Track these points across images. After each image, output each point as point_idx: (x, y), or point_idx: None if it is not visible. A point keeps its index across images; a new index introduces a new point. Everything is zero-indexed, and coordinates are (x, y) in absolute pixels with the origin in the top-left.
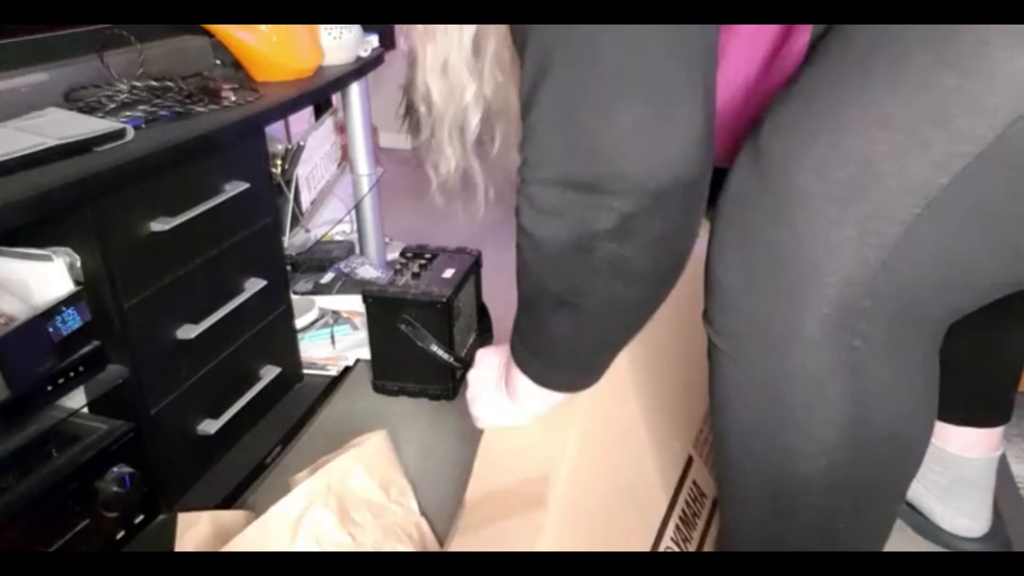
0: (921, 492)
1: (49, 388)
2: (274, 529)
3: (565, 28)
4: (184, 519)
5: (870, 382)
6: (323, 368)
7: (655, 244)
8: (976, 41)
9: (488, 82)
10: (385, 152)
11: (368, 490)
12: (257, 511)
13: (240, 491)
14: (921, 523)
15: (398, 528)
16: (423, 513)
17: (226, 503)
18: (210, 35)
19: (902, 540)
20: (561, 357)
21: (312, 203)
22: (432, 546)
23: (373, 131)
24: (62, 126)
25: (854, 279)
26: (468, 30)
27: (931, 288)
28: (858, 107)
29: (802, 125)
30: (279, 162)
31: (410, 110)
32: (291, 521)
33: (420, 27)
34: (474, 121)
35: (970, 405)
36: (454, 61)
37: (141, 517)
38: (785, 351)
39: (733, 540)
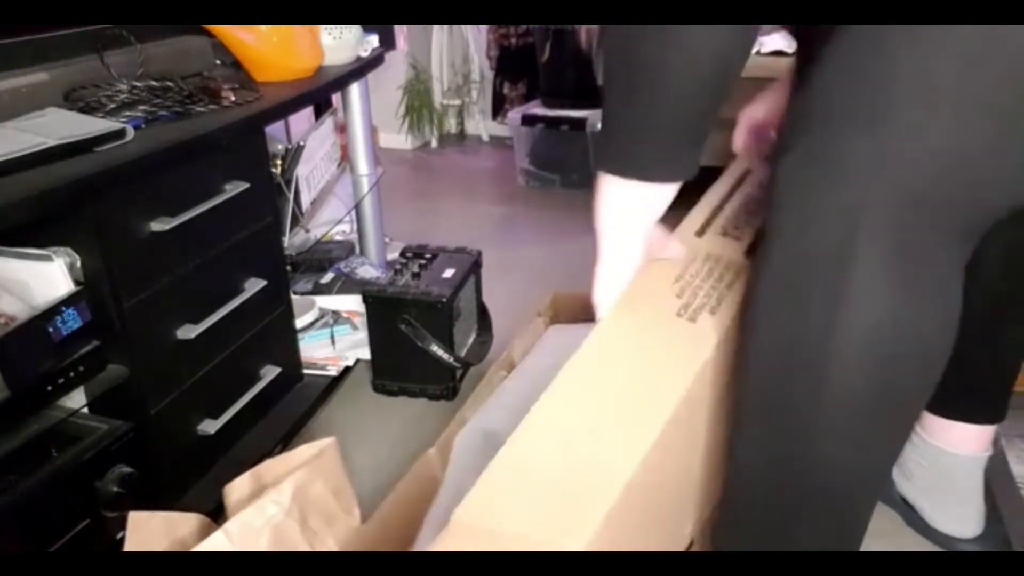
0: (913, 490)
1: (49, 388)
2: (239, 537)
3: None
4: (135, 518)
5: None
6: (323, 368)
7: None
8: None
9: None
10: (385, 152)
11: (324, 500)
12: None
13: None
14: (916, 521)
15: (344, 536)
16: (364, 522)
17: None
18: (210, 35)
19: (903, 539)
20: (652, 117)
21: (312, 203)
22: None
23: (373, 131)
24: (62, 126)
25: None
26: None
27: (938, 188)
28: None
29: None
30: (279, 162)
31: (410, 110)
32: (256, 529)
33: None
34: None
35: (966, 398)
36: None
37: None
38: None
39: (738, 481)
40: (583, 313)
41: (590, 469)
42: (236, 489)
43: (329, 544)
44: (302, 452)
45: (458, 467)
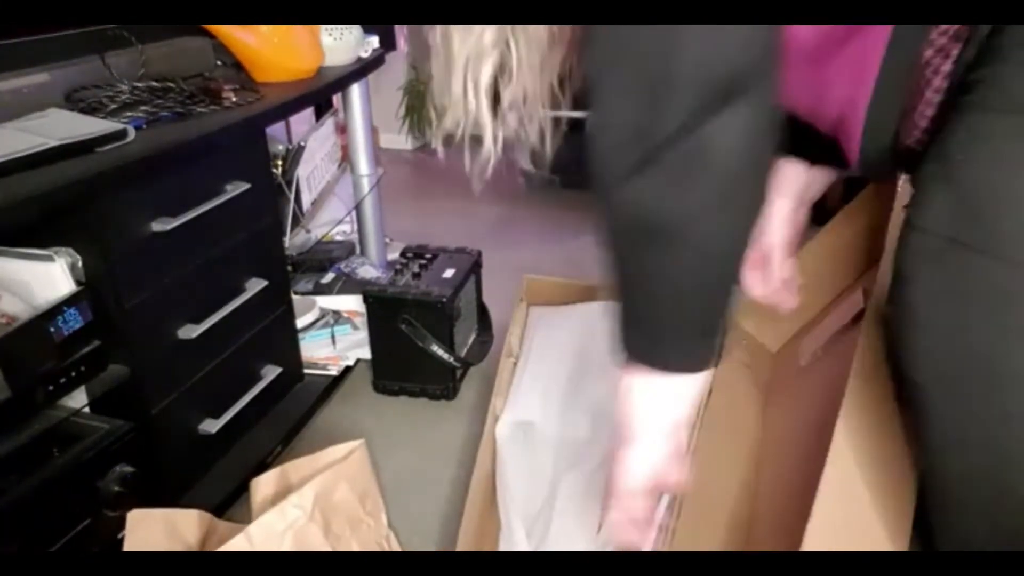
0: None
1: (50, 388)
2: (261, 541)
3: None
4: (134, 516)
5: None
6: (323, 368)
7: (738, 141)
8: None
9: (512, 28)
10: (385, 152)
11: (349, 504)
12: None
13: (240, 490)
14: None
15: (371, 540)
16: (391, 526)
17: (227, 502)
18: (211, 36)
19: None
20: (667, 311)
21: (313, 203)
22: None
23: (373, 131)
24: (64, 127)
25: None
26: None
27: None
28: None
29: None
30: (280, 162)
31: (410, 110)
32: (278, 533)
33: None
34: (488, 67)
35: None
36: None
37: None
38: (1004, 392)
39: None
40: (556, 296)
41: None
42: (262, 485)
43: (353, 548)
44: (330, 453)
45: (509, 463)
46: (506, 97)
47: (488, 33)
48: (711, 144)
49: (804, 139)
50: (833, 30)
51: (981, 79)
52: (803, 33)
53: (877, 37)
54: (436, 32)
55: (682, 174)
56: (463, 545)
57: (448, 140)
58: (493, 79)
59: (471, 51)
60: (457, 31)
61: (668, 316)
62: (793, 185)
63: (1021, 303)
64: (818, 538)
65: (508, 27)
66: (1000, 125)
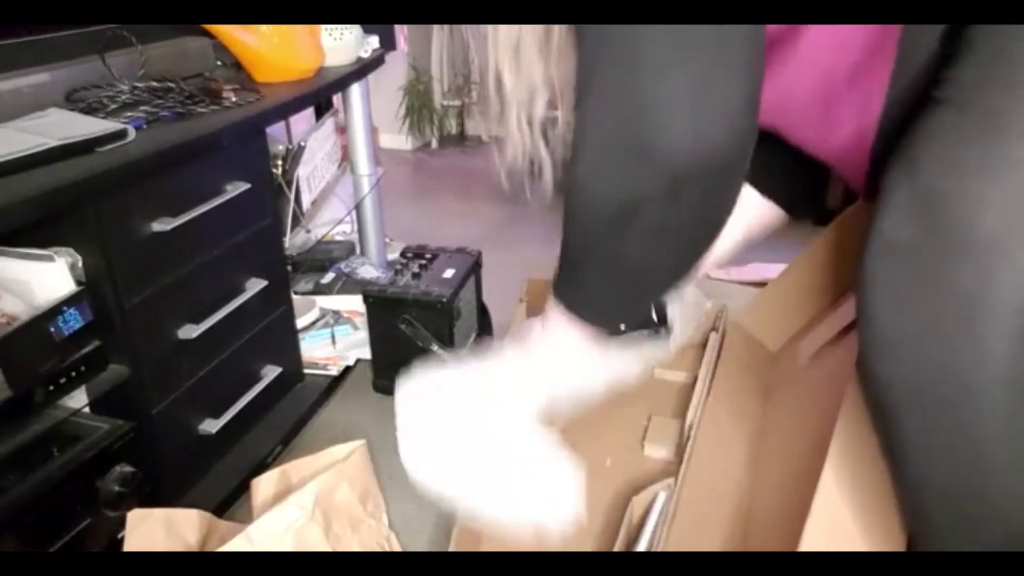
0: None
1: (51, 388)
2: (261, 541)
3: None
4: (134, 516)
5: None
6: (323, 368)
7: (696, 213)
8: None
9: (556, 62)
10: (385, 152)
11: (350, 504)
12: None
13: (240, 490)
14: None
15: (372, 541)
16: (391, 527)
17: (227, 502)
18: (211, 36)
19: None
20: (597, 297)
21: (313, 203)
22: None
23: (373, 131)
24: (64, 127)
25: None
26: None
27: None
28: None
29: (979, 160)
30: (280, 162)
31: (410, 110)
32: (279, 533)
33: None
34: (542, 102)
35: None
36: (526, 41)
37: None
38: (975, 401)
39: None
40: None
41: None
42: (263, 485)
43: (354, 548)
44: (331, 453)
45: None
46: (559, 127)
47: (536, 71)
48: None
49: (776, 178)
50: (832, 83)
51: (943, 77)
52: (801, 87)
53: (877, 79)
54: (490, 74)
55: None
56: (458, 545)
57: (444, 140)
58: (544, 113)
59: (523, 90)
60: (508, 72)
61: (595, 298)
62: (745, 211)
63: (981, 301)
64: (816, 538)
65: (552, 61)
66: (953, 123)
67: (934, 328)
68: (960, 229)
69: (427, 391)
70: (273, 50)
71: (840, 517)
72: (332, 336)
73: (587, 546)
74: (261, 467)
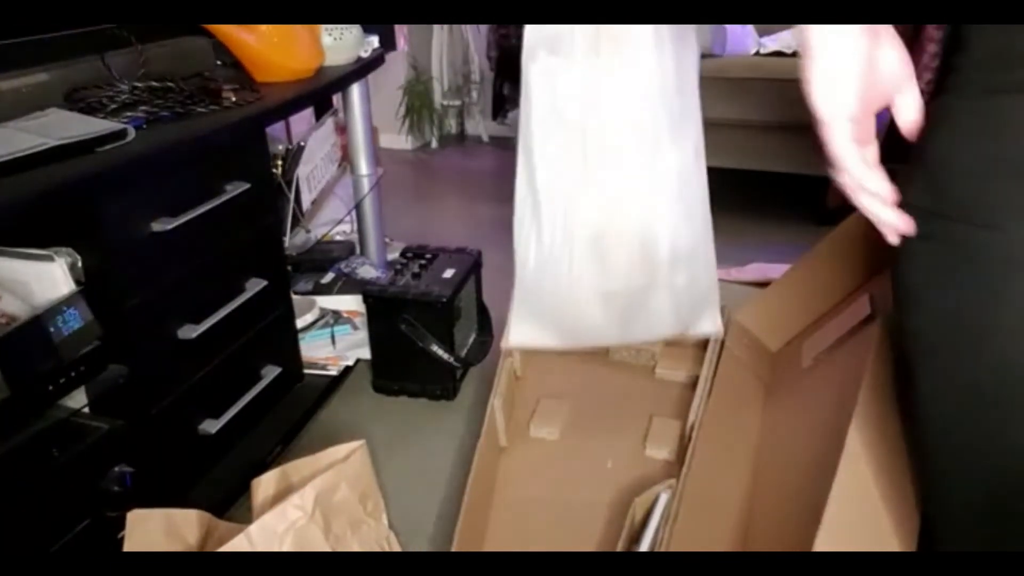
0: None
1: (50, 388)
2: (261, 541)
3: None
4: (134, 516)
5: None
6: (323, 368)
7: None
8: None
9: None
10: (385, 152)
11: (350, 504)
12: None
13: (240, 490)
14: None
15: (372, 541)
16: (391, 527)
17: (227, 502)
18: (211, 36)
19: None
20: None
21: (312, 203)
22: None
23: (373, 131)
24: (63, 126)
25: None
26: None
27: None
28: None
29: (994, 166)
30: (280, 162)
31: (410, 110)
32: (278, 534)
33: None
34: None
35: None
36: None
37: None
38: (987, 345)
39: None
40: None
41: None
42: (262, 486)
43: (354, 549)
44: (331, 453)
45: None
46: None
47: None
48: None
49: None
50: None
51: (952, 65)
52: None
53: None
54: None
55: None
56: (459, 545)
57: (444, 140)
58: None
59: None
60: None
61: None
62: None
63: (995, 262)
64: (830, 539)
65: None
66: (958, 103)
67: (952, 278)
68: (955, 193)
69: None
70: (273, 50)
71: (853, 520)
72: (332, 336)
73: (589, 547)
74: (261, 467)
